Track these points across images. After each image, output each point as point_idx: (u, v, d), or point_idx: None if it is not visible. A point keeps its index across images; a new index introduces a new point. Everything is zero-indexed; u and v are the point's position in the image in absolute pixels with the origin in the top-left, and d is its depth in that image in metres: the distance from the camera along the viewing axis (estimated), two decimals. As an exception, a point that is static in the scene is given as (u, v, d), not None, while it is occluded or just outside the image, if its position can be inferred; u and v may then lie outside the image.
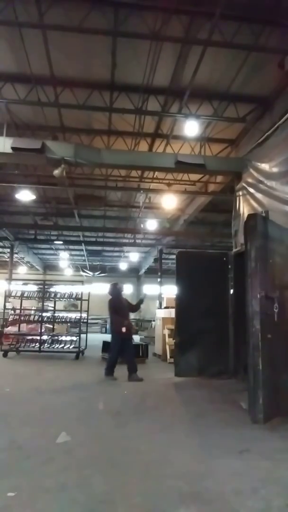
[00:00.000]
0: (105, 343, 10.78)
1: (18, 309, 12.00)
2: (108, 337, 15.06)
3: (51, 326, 12.80)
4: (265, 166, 7.53)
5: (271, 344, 4.49)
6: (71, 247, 22.73)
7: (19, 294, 11.57)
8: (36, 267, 27.77)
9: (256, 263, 4.52)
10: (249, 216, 5.05)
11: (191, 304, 7.28)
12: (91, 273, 27.76)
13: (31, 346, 10.80)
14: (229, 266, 7.62)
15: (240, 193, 8.81)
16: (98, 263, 27.79)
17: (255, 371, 4.36)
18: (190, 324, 7.20)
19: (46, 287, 11.81)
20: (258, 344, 4.36)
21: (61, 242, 20.96)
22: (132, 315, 34.30)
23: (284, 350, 4.77)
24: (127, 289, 30.93)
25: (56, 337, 11.56)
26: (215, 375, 7.08)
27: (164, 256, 20.95)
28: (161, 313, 12.29)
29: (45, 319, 11.47)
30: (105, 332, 24.12)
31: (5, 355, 10.23)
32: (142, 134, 9.53)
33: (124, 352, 7.26)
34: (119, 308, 7.38)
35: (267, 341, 4.43)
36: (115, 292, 7.65)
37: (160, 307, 15.63)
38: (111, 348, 7.39)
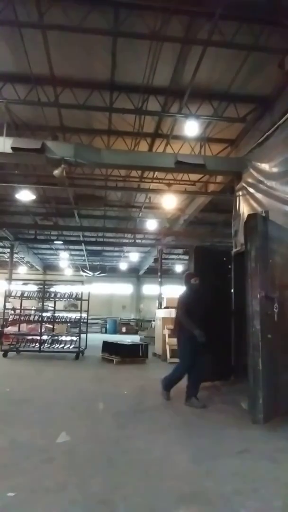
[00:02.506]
0: (105, 343, 10.81)
1: (18, 309, 12.00)
2: (107, 337, 15.00)
3: (51, 326, 12.80)
4: (265, 166, 7.52)
5: (271, 344, 4.49)
6: (71, 247, 22.74)
7: (19, 294, 11.57)
8: (36, 267, 27.78)
9: (256, 263, 4.52)
10: (249, 216, 5.04)
11: (199, 303, 7.01)
12: (91, 273, 27.78)
13: (31, 346, 10.80)
14: (229, 266, 7.60)
15: (240, 193, 8.80)
16: (98, 263, 27.80)
17: (255, 371, 4.35)
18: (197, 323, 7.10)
19: (46, 287, 11.82)
20: (258, 344, 4.35)
21: (61, 242, 20.97)
22: (131, 315, 34.07)
23: (284, 350, 4.77)
24: (127, 289, 31.04)
25: (56, 337, 11.56)
26: (215, 376, 7.06)
27: (164, 256, 20.97)
28: (161, 313, 12.29)
29: (45, 319, 11.48)
30: (105, 332, 24.19)
31: (5, 355, 10.24)
32: (142, 134, 9.52)
33: (192, 369, 5.38)
34: (192, 306, 5.48)
35: (267, 341, 4.43)
36: (188, 285, 5.74)
37: (160, 307, 15.64)
38: (180, 361, 5.64)
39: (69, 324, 13.02)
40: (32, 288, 12.25)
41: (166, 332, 10.50)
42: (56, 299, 11.95)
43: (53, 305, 12.48)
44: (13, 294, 12.12)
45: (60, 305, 14.19)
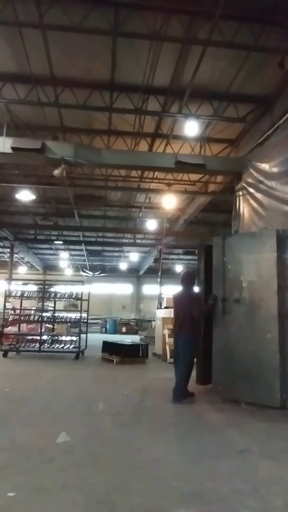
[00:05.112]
0: (105, 343, 10.80)
1: (18, 309, 12.00)
2: (107, 337, 14.97)
3: (51, 326, 12.80)
4: (265, 166, 7.53)
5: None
6: (71, 247, 22.74)
7: (19, 294, 11.57)
8: (36, 267, 27.77)
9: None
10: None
11: None
12: (91, 273, 27.76)
13: (31, 346, 10.80)
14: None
15: (240, 193, 8.80)
16: (98, 263, 27.81)
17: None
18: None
19: (46, 287, 11.82)
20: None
21: (61, 242, 20.97)
22: (131, 315, 34.12)
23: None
24: (127, 289, 31.04)
25: (56, 337, 11.56)
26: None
27: (164, 256, 20.96)
28: (161, 313, 12.28)
29: (45, 319, 11.47)
30: (105, 332, 24.17)
31: (5, 355, 10.23)
32: (142, 134, 9.53)
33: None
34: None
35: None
36: (193, 284, 5.92)
37: (160, 307, 15.62)
38: (186, 360, 5.49)
39: (69, 324, 13.01)
40: (32, 288, 12.24)
41: (166, 332, 10.49)
42: (56, 299, 11.95)
43: (53, 305, 12.48)
44: (13, 294, 12.12)
45: (60, 305, 14.19)
